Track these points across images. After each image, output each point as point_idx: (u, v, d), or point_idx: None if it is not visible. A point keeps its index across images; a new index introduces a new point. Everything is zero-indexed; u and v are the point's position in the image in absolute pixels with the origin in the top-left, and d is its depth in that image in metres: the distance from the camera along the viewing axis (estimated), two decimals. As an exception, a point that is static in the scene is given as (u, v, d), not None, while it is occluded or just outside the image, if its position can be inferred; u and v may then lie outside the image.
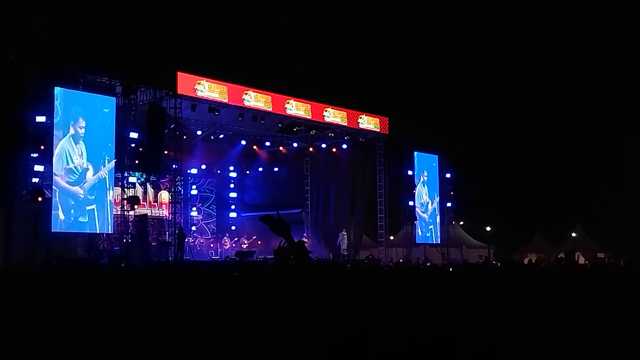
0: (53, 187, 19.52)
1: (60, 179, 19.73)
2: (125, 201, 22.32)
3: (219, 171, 31.50)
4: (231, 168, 31.91)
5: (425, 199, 31.60)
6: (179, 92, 22.67)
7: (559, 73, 45.50)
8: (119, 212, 22.38)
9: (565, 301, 3.13)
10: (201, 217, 30.78)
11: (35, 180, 19.23)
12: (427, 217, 31.57)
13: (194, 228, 29.79)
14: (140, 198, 24.73)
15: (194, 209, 30.20)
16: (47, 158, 19.54)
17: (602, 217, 37.63)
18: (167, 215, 25.91)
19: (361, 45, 47.70)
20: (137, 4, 35.10)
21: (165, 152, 23.64)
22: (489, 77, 44.99)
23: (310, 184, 31.60)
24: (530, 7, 45.76)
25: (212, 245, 30.18)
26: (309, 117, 27.00)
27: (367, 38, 49.34)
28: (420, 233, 30.75)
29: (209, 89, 23.52)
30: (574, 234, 36.86)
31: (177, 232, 23.61)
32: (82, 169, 20.33)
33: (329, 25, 45.57)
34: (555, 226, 39.05)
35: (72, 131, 20.18)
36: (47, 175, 19.59)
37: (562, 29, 45.37)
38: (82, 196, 20.36)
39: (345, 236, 29.09)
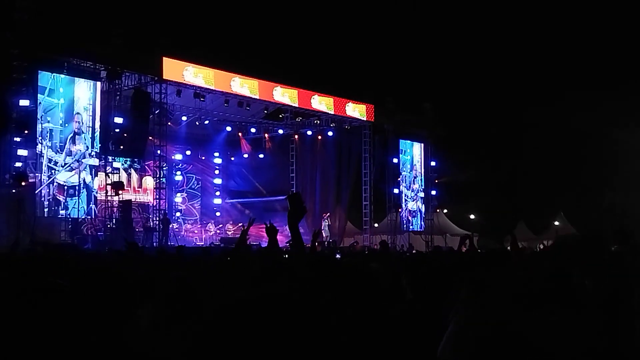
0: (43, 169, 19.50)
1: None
2: (109, 186, 22.26)
3: (203, 157, 31.47)
4: (216, 154, 31.88)
5: (410, 187, 31.80)
6: (164, 78, 22.55)
7: (546, 64, 45.74)
8: (103, 198, 22.31)
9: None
10: (185, 203, 30.78)
11: (18, 164, 19.14)
12: (411, 204, 31.78)
13: (178, 214, 29.78)
14: (125, 183, 24.68)
15: (178, 194, 30.18)
16: (30, 142, 19.46)
17: (584, 206, 37.94)
18: (152, 201, 25.87)
19: (348, 32, 47.65)
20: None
21: (150, 137, 23.59)
22: (476, 65, 45.11)
23: (295, 171, 31.65)
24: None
25: (196, 231, 30.16)
26: (295, 104, 26.98)
27: (355, 25, 49.24)
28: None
29: (194, 75, 23.41)
30: (556, 223, 37.14)
31: (161, 217, 23.62)
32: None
33: (316, 12, 45.44)
34: (538, 215, 39.34)
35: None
36: (31, 160, 19.54)
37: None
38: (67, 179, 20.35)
39: (327, 223, 29.13)
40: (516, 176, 42.80)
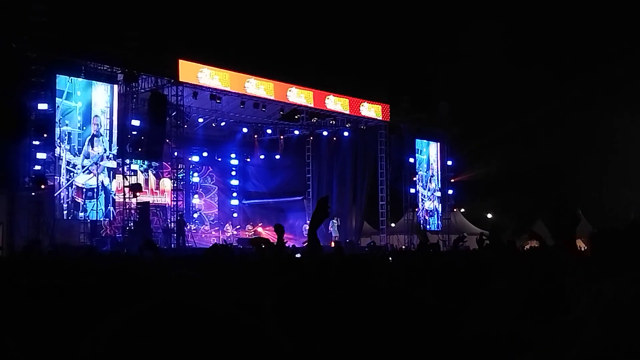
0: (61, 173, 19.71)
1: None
2: (127, 189, 22.41)
3: (220, 159, 31.61)
4: (233, 155, 32.02)
5: (426, 186, 31.77)
6: (180, 80, 22.68)
7: (565, 60, 45.44)
8: (122, 200, 22.48)
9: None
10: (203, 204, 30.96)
11: (37, 167, 19.34)
12: (428, 204, 31.74)
13: (196, 215, 29.93)
14: (143, 185, 24.83)
15: (196, 196, 30.33)
16: (49, 146, 19.66)
17: (602, 204, 37.64)
18: (169, 202, 26.04)
19: (362, 32, 47.58)
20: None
21: (167, 140, 23.74)
22: (491, 62, 44.89)
23: (311, 172, 31.71)
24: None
25: (213, 232, 30.29)
26: (311, 105, 27.04)
27: (369, 24, 49.21)
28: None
29: (210, 77, 23.54)
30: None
31: (177, 219, 23.75)
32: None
33: (331, 12, 45.46)
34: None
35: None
36: (50, 163, 19.75)
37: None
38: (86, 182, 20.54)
39: (336, 224, 29.05)
40: (534, 174, 42.55)
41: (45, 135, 19.56)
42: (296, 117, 29.87)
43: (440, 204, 32.59)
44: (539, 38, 46.65)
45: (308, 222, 29.55)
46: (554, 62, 45.30)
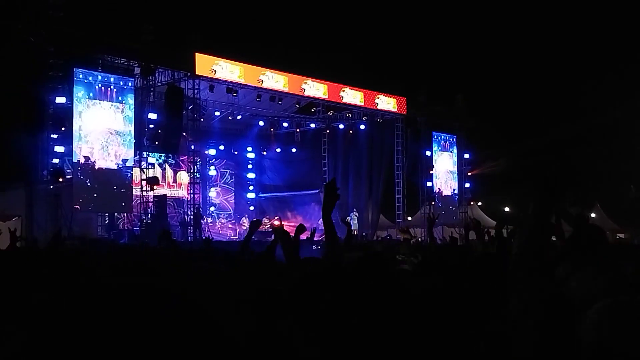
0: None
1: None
2: (144, 182, 22.52)
3: (236, 152, 31.64)
4: (249, 149, 32.04)
5: (442, 179, 31.67)
6: (197, 73, 22.72)
7: (582, 52, 45.03)
8: (139, 193, 22.59)
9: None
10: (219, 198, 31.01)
11: (55, 161, 19.48)
12: (445, 197, 31.65)
13: (212, 208, 30.00)
14: (160, 179, 24.93)
15: (212, 189, 30.41)
16: (67, 139, 19.80)
17: (621, 198, 37.32)
18: (186, 195, 26.13)
19: (378, 23, 47.42)
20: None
21: (184, 133, 23.81)
22: (508, 55, 44.59)
23: (328, 165, 31.68)
24: None
25: (230, 226, 30.37)
26: (327, 98, 26.99)
27: (384, 16, 48.99)
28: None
29: (226, 70, 23.55)
30: (593, 215, 36.59)
31: (194, 212, 23.85)
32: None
33: (345, 3, 45.32)
34: (574, 207, 38.68)
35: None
36: (68, 156, 19.89)
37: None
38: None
39: (356, 216, 29.02)
40: (551, 167, 42.21)
41: (63, 128, 19.70)
42: (312, 110, 29.82)
43: (457, 197, 32.46)
44: (555, 28, 46.22)
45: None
46: (572, 53, 44.87)
